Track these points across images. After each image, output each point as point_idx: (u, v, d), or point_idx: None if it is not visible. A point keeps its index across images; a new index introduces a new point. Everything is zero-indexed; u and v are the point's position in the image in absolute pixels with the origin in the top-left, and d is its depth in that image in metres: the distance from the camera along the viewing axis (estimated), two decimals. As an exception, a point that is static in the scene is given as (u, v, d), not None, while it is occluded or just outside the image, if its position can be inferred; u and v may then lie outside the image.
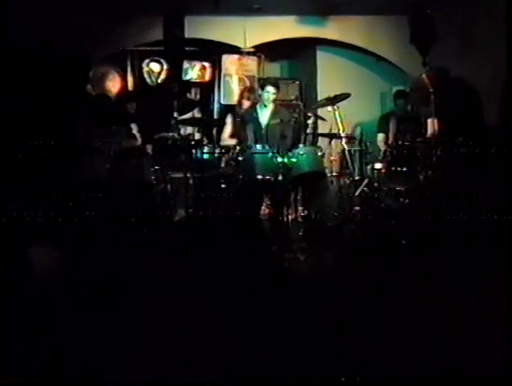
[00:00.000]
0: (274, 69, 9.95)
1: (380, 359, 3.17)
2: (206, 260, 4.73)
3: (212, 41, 8.90)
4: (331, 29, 8.98)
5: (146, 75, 8.99)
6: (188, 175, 6.63)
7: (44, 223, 4.95)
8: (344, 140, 6.73)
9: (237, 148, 6.87)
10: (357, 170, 7.28)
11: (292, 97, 9.31)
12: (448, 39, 7.97)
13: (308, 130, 7.07)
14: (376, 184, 6.95)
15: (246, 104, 7.64)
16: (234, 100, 8.80)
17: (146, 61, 8.99)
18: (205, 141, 7.56)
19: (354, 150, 7.16)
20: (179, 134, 6.84)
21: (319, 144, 7.40)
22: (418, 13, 7.92)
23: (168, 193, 6.72)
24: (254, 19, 8.74)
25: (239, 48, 9.01)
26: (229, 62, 9.08)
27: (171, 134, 6.92)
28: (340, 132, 6.71)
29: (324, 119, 7.36)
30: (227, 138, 7.62)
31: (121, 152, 6.15)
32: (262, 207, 6.51)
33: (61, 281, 4.15)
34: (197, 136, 7.62)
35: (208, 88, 9.26)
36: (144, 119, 6.98)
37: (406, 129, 7.62)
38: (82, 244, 4.76)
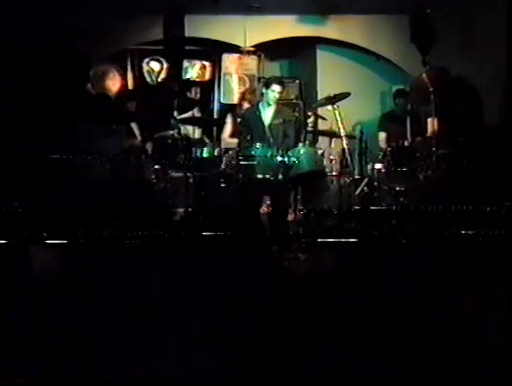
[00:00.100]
0: (274, 68, 9.93)
1: (380, 359, 3.17)
2: (206, 259, 4.72)
3: (213, 40, 8.89)
4: (331, 28, 8.97)
5: (146, 74, 8.99)
6: (188, 174, 6.63)
7: (44, 223, 4.95)
8: (344, 139, 6.72)
9: (238, 147, 6.89)
10: (357, 169, 7.28)
11: (292, 96, 9.30)
12: (448, 39, 7.96)
13: (308, 129, 7.06)
14: (376, 183, 6.96)
15: (245, 106, 7.63)
16: (234, 99, 8.81)
17: (147, 60, 8.99)
18: (207, 140, 7.58)
19: (354, 149, 7.17)
20: (179, 133, 6.83)
21: (319, 143, 7.40)
22: (418, 12, 7.91)
23: (168, 192, 6.72)
24: (254, 18, 8.73)
25: (239, 47, 9.00)
26: (229, 61, 9.08)
27: (171, 133, 6.91)
28: (341, 131, 6.70)
29: (324, 118, 7.37)
30: (227, 138, 7.61)
31: (122, 151, 6.16)
32: (262, 206, 6.51)
33: (61, 280, 4.15)
34: (197, 135, 7.64)
35: (208, 87, 9.26)
36: (144, 118, 6.99)
37: (405, 128, 7.61)
38: (82, 244, 4.76)
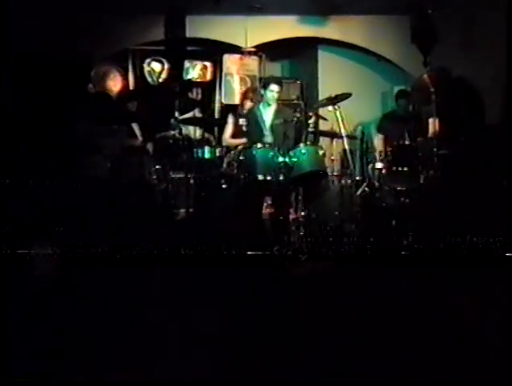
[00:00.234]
0: (275, 69, 9.94)
1: (380, 359, 3.17)
2: (206, 258, 4.72)
3: (214, 40, 8.89)
4: (332, 29, 8.97)
5: (147, 75, 8.99)
6: (189, 175, 6.63)
7: (44, 222, 4.95)
8: (345, 140, 6.72)
9: (239, 147, 6.89)
10: (358, 169, 7.28)
11: (293, 97, 9.31)
12: (449, 39, 7.96)
13: (309, 130, 7.06)
14: (377, 184, 6.96)
15: (248, 105, 7.62)
16: (235, 99, 8.81)
17: (148, 60, 8.99)
18: (211, 138, 7.59)
19: (355, 150, 7.17)
20: (181, 134, 6.83)
21: (320, 143, 7.40)
22: (419, 12, 7.91)
23: (169, 192, 6.72)
24: (255, 19, 8.73)
25: (240, 48, 9.01)
26: (230, 61, 9.08)
27: (172, 133, 6.91)
28: (342, 131, 6.70)
29: (325, 119, 7.36)
30: (228, 138, 7.61)
31: (123, 151, 6.15)
32: (264, 207, 6.52)
33: (61, 281, 4.15)
34: (198, 135, 7.64)
35: (209, 88, 9.25)
36: (145, 118, 6.98)
37: (407, 128, 7.61)
38: (83, 243, 4.75)
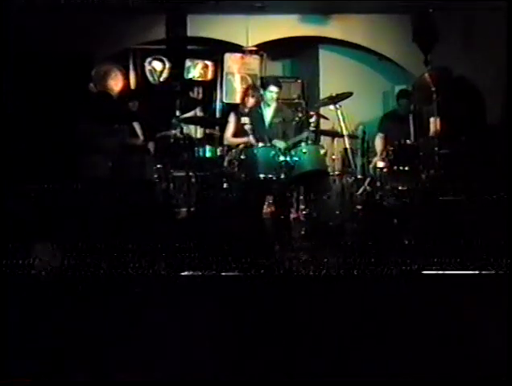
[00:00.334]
0: (276, 68, 9.94)
1: (381, 359, 3.17)
2: (207, 258, 4.72)
3: (215, 39, 8.89)
4: (333, 28, 8.96)
5: (148, 74, 8.99)
6: (191, 174, 6.64)
7: (44, 221, 4.95)
8: (346, 139, 6.72)
9: (240, 146, 6.90)
10: (359, 168, 7.29)
11: (294, 96, 9.30)
12: (450, 38, 7.95)
13: (311, 129, 7.06)
14: (378, 183, 6.97)
15: (251, 101, 7.60)
16: (237, 98, 8.80)
17: (149, 59, 8.99)
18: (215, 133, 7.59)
19: (356, 149, 7.17)
20: (182, 133, 6.84)
21: (321, 143, 7.40)
22: (420, 12, 7.90)
23: (170, 191, 6.72)
24: (257, 18, 8.73)
25: (241, 47, 9.00)
26: (231, 60, 9.07)
27: (173, 133, 6.92)
28: (343, 131, 6.70)
29: (326, 118, 7.36)
30: (229, 137, 7.61)
31: (124, 150, 6.15)
32: (265, 206, 6.52)
33: (61, 278, 4.15)
34: (199, 134, 7.65)
35: (210, 87, 9.25)
36: (146, 118, 6.97)
37: (408, 128, 7.61)
38: (83, 243, 4.75)
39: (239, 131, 7.40)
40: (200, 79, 9.10)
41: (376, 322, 3.60)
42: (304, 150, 6.34)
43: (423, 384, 3.04)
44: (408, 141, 7.06)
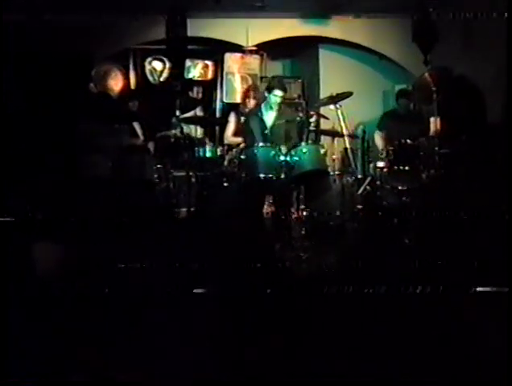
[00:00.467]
0: (276, 68, 9.94)
1: (381, 358, 3.16)
2: (207, 258, 4.72)
3: (215, 39, 8.89)
4: (333, 28, 8.97)
5: (148, 74, 9.00)
6: (191, 174, 6.64)
7: (45, 221, 4.95)
8: (346, 138, 6.71)
9: (240, 146, 6.89)
10: (359, 168, 7.29)
11: (295, 96, 9.30)
12: (450, 38, 7.95)
13: (311, 129, 7.06)
14: (378, 183, 6.96)
15: (251, 103, 7.60)
16: (237, 98, 8.80)
17: (149, 59, 8.99)
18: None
19: (357, 149, 7.17)
20: (182, 133, 6.84)
21: (321, 142, 7.40)
22: (420, 12, 7.90)
23: (171, 191, 6.73)
24: (257, 18, 8.73)
25: (241, 47, 9.00)
26: (231, 60, 9.07)
27: (173, 132, 6.92)
28: (343, 130, 6.70)
29: (326, 118, 7.36)
30: (230, 137, 7.61)
31: (124, 150, 6.15)
32: (265, 206, 6.52)
33: (61, 279, 4.15)
34: (199, 134, 7.66)
35: (210, 87, 9.26)
36: (146, 117, 6.97)
37: (408, 127, 7.61)
38: (83, 243, 4.76)
39: (239, 130, 7.40)
40: (200, 79, 9.11)
41: (376, 322, 3.59)
42: (304, 150, 6.33)
43: (422, 384, 3.03)
44: (408, 141, 7.05)
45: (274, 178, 6.24)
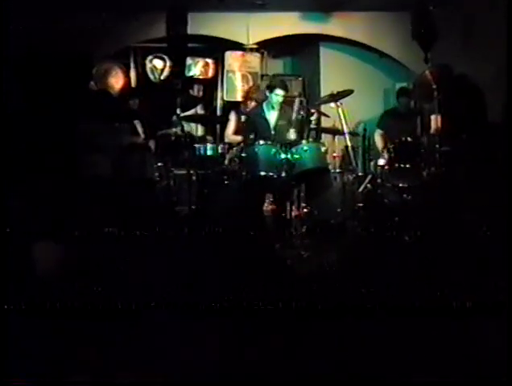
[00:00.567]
0: (277, 66, 9.93)
1: (381, 358, 3.17)
2: (208, 257, 4.72)
3: (216, 37, 8.89)
4: (334, 25, 8.96)
5: (149, 72, 9.00)
6: (191, 172, 6.65)
7: (45, 221, 4.95)
8: (347, 136, 6.71)
9: (241, 144, 6.90)
10: (360, 166, 7.29)
11: (295, 94, 9.28)
12: (450, 36, 7.94)
13: (312, 127, 7.06)
14: (379, 180, 6.97)
15: (252, 104, 7.61)
16: (237, 96, 8.81)
17: (149, 58, 9.00)
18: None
19: (357, 147, 7.17)
20: (183, 131, 6.84)
21: (322, 140, 7.41)
22: (420, 9, 7.89)
23: (171, 189, 6.73)
24: (257, 15, 8.73)
25: (242, 45, 9.00)
26: (232, 58, 9.07)
27: (174, 131, 6.92)
28: (344, 128, 6.69)
29: (327, 115, 7.36)
30: (230, 135, 7.62)
31: (125, 148, 6.16)
32: (266, 204, 6.53)
33: (62, 278, 4.15)
34: (200, 132, 7.66)
35: (211, 85, 9.27)
36: (147, 116, 6.98)
37: (408, 125, 7.61)
38: (84, 243, 4.76)
39: (240, 129, 7.40)
40: (200, 77, 9.12)
41: (376, 322, 3.59)
42: (305, 148, 6.33)
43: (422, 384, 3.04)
44: (409, 139, 7.05)
45: (275, 176, 6.24)
